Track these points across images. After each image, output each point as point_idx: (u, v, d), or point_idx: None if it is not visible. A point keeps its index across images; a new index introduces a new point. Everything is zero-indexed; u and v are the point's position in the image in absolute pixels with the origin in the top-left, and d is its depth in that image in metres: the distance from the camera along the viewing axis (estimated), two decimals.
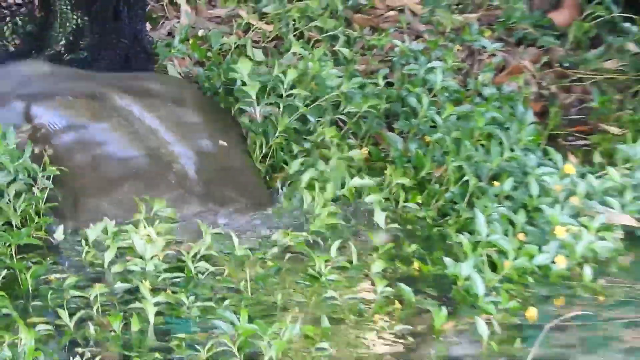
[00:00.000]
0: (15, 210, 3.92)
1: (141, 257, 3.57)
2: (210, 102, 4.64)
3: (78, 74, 4.47)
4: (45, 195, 3.96)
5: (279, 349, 2.94)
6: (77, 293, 3.37)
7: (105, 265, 3.58)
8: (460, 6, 5.03)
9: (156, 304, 3.31)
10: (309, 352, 3.08)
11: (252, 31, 4.94)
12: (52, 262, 3.72)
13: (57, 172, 3.81)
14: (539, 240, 3.71)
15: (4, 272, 3.42)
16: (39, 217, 3.93)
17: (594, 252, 3.64)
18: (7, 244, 3.60)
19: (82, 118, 4.10)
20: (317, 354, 3.05)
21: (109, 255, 3.59)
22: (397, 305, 3.36)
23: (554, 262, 3.54)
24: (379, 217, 3.98)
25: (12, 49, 4.71)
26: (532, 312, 3.18)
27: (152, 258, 3.59)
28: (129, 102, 4.20)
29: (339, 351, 3.11)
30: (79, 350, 2.95)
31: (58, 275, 3.59)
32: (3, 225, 3.82)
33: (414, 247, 3.87)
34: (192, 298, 3.44)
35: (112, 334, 3.10)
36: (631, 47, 4.80)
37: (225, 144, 4.27)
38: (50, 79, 4.38)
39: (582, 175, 3.99)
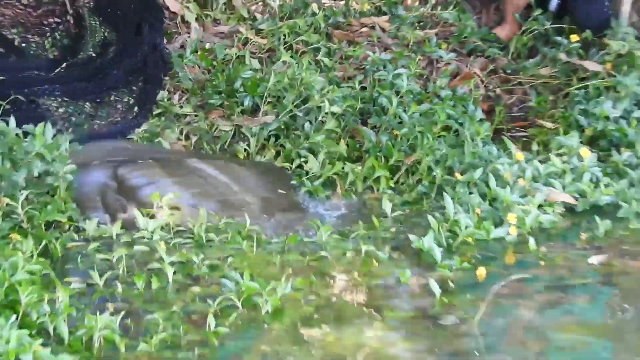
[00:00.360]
0: None
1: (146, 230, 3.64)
2: (265, 163, 4.59)
3: (154, 150, 4.50)
4: None
5: (274, 304, 3.08)
6: (102, 256, 3.44)
7: (114, 237, 3.65)
8: (421, 23, 5.06)
9: (171, 264, 3.37)
10: (299, 302, 3.23)
11: (250, 44, 4.91)
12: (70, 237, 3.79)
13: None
14: (496, 217, 3.86)
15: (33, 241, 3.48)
16: None
17: (540, 223, 3.81)
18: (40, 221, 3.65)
19: (161, 175, 4.13)
20: (306, 304, 3.21)
21: (116, 228, 3.66)
22: (375, 263, 3.55)
23: (508, 234, 3.70)
24: (386, 206, 4.06)
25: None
26: (481, 272, 3.32)
27: (154, 230, 3.66)
28: (204, 165, 4.29)
29: (323, 300, 3.32)
30: (108, 305, 3.05)
31: (79, 243, 3.69)
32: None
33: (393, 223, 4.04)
34: (201, 256, 3.52)
35: (136, 291, 3.17)
36: (562, 56, 4.82)
37: (283, 192, 4.32)
38: (132, 151, 4.41)
39: (528, 161, 4.15)
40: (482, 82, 4.85)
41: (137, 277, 3.35)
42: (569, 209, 4.13)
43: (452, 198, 3.98)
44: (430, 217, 3.86)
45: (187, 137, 4.55)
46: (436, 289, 3.24)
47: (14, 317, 2.73)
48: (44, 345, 2.65)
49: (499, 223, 3.89)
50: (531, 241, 3.80)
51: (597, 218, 4.01)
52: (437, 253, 3.60)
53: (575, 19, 5.16)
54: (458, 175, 4.19)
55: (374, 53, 4.76)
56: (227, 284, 3.29)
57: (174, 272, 3.46)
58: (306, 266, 3.72)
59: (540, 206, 4.03)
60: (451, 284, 3.43)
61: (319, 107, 4.48)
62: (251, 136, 4.50)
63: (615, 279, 3.75)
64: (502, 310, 3.36)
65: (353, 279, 3.62)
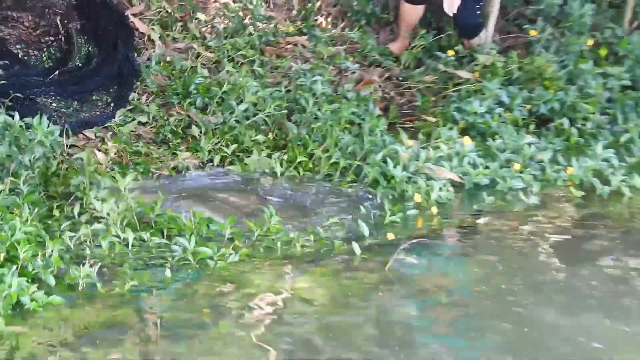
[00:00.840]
0: None
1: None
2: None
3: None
4: None
5: (222, 267, 3.32)
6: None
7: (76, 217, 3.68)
8: (333, 41, 5.18)
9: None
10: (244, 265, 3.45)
11: (201, 57, 4.99)
12: None
13: None
14: (396, 193, 4.16)
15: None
16: None
17: (440, 197, 4.06)
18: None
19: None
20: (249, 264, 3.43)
21: (76, 209, 3.68)
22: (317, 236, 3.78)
23: (415, 207, 4.02)
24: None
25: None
26: (391, 236, 3.69)
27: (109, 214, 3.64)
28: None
29: (269, 258, 3.56)
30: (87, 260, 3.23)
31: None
32: None
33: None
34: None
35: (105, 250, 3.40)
36: (441, 67, 5.00)
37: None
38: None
39: (422, 148, 4.37)
40: (380, 86, 4.98)
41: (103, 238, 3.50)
42: (459, 187, 4.27)
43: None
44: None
45: (152, 126, 4.63)
46: (357, 250, 3.51)
47: (14, 267, 2.95)
48: (38, 289, 2.89)
49: (401, 198, 4.12)
50: (434, 210, 4.06)
51: (483, 193, 4.23)
52: (366, 230, 3.78)
53: (457, 26, 5.25)
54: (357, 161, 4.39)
55: (297, 64, 4.88)
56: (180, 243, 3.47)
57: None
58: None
59: (433, 185, 4.22)
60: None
61: (254, 105, 4.59)
62: (203, 126, 4.52)
63: (494, 234, 4.08)
64: (406, 261, 3.65)
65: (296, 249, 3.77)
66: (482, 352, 2.98)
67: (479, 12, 5.14)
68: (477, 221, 4.15)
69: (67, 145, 4.15)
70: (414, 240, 3.80)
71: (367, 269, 3.65)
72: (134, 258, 3.47)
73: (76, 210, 3.65)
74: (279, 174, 4.29)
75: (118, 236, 3.50)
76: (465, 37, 5.28)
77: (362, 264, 3.64)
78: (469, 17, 5.10)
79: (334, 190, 4.30)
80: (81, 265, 3.18)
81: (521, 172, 4.26)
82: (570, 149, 4.62)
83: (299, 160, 4.30)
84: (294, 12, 5.71)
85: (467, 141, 4.31)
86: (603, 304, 3.32)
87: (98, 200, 3.68)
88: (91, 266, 3.16)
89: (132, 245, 3.52)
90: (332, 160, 4.26)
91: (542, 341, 3.03)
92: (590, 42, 5.18)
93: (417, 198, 4.06)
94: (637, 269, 3.64)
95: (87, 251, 3.37)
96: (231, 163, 4.28)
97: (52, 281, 3.07)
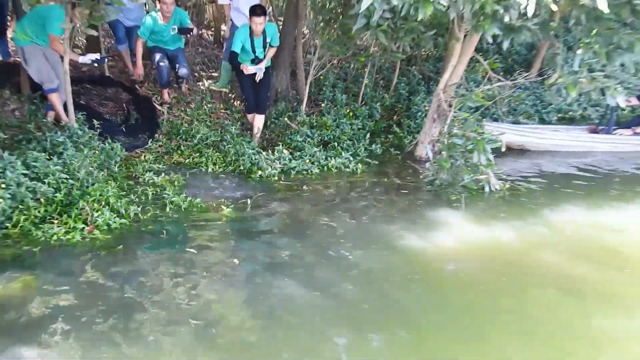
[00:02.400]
0: None
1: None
2: None
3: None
4: None
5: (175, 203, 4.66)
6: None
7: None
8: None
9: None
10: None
11: (184, 119, 6.65)
12: None
13: None
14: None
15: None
16: None
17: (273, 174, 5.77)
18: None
19: None
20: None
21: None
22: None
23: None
24: None
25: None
26: (225, 211, 4.66)
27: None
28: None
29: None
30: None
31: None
32: None
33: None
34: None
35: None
36: (286, 119, 6.57)
37: None
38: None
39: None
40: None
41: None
42: (287, 173, 6.16)
43: None
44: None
45: (163, 147, 6.24)
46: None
47: (107, 207, 4.65)
48: (118, 217, 4.71)
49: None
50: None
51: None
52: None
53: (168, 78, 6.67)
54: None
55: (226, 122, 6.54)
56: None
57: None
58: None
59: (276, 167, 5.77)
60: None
61: (206, 137, 6.28)
62: (184, 147, 6.07)
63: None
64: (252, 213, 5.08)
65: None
66: None
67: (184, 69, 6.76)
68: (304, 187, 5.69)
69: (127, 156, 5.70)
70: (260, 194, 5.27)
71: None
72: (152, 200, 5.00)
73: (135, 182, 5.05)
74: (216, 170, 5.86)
75: (155, 192, 4.97)
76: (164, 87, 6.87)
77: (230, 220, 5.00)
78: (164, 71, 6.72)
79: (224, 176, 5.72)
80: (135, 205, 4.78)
81: (312, 163, 6.13)
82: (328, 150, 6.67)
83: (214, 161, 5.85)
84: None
85: (286, 151, 6.21)
86: None
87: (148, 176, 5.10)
88: (138, 207, 4.74)
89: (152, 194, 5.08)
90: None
91: None
92: (348, 110, 7.48)
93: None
94: None
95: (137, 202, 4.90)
96: (196, 164, 5.88)
97: (123, 211, 4.68)
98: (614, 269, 4.42)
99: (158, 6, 6.37)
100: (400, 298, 3.86)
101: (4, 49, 6.53)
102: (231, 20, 7.03)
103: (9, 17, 6.70)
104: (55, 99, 5.66)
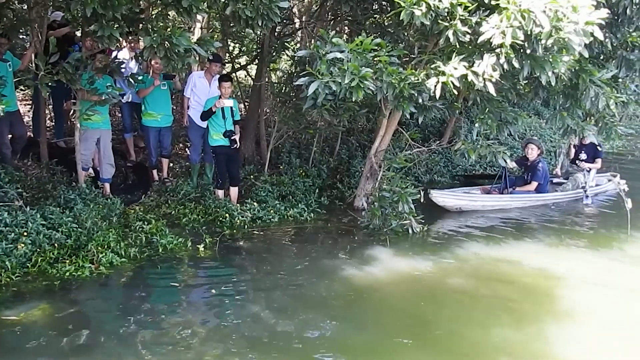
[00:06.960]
0: None
1: None
2: None
3: None
4: None
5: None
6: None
7: None
8: None
9: None
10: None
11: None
12: None
13: None
14: None
15: None
16: None
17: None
18: None
19: None
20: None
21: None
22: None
23: None
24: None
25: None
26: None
27: None
28: None
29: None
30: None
31: None
32: None
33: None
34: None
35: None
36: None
37: None
38: None
39: None
40: None
41: None
42: None
43: None
44: None
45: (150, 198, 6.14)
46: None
47: (109, 249, 4.67)
48: (117, 256, 4.71)
49: None
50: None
51: None
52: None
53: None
54: None
55: None
56: None
57: None
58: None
59: None
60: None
61: None
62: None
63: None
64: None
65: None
66: None
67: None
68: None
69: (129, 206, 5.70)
70: None
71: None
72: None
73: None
74: None
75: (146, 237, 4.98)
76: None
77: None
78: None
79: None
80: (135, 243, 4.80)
81: (275, 213, 6.09)
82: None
83: None
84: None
85: (255, 204, 6.21)
86: None
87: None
88: (136, 247, 4.72)
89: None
90: None
91: None
92: (301, 171, 7.33)
93: None
94: None
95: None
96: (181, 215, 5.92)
97: (122, 252, 4.69)
98: (508, 290, 4.68)
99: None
100: (340, 317, 4.07)
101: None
102: (191, 118, 6.54)
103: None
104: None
